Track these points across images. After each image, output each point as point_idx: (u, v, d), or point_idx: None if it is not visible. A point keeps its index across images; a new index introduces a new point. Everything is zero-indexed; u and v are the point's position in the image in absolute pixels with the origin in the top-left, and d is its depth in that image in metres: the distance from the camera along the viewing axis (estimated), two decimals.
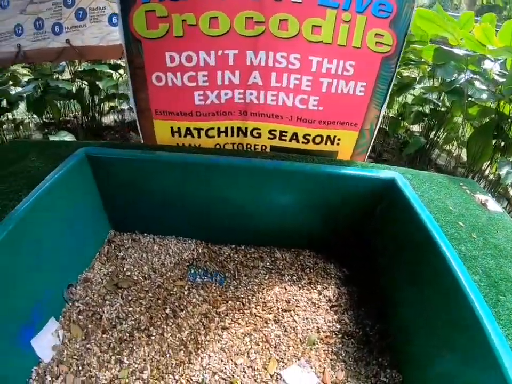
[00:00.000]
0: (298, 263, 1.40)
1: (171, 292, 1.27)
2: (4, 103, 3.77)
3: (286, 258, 1.41)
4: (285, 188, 1.29)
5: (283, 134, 1.63)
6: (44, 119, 4.27)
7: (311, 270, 1.37)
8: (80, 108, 3.88)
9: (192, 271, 1.34)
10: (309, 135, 1.61)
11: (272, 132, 1.64)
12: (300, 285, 1.32)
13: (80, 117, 4.04)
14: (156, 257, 1.39)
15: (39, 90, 3.50)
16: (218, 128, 1.63)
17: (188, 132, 1.63)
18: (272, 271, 1.36)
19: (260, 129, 1.63)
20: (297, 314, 1.22)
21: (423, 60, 2.90)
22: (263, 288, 1.30)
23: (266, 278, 1.34)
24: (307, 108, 1.53)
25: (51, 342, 1.09)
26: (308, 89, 1.49)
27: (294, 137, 1.64)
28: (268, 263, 1.39)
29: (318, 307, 1.25)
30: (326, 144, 1.64)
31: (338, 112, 1.58)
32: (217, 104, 1.55)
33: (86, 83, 3.50)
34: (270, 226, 1.38)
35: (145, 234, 1.47)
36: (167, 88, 1.51)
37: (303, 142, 1.64)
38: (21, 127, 4.09)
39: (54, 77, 3.57)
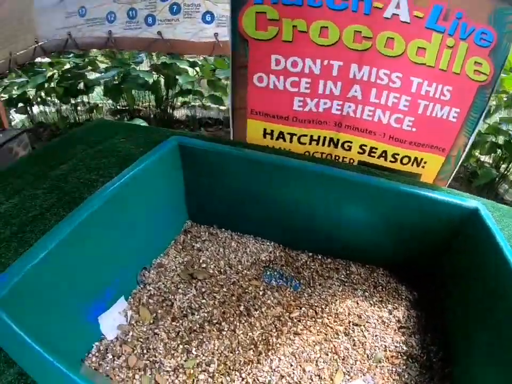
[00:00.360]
0: (372, 280, 1.37)
1: (246, 290, 1.25)
2: (81, 85, 3.92)
3: (361, 274, 1.38)
4: (366, 203, 1.27)
5: (373, 150, 1.61)
6: (118, 106, 4.40)
7: (383, 289, 1.34)
8: (154, 99, 3.97)
9: (268, 273, 1.33)
10: (398, 154, 1.59)
11: (363, 147, 1.62)
12: (371, 302, 1.29)
13: (153, 108, 4.14)
14: (233, 253, 1.37)
15: (118, 77, 3.60)
16: (311, 136, 1.62)
17: (281, 136, 1.63)
18: (346, 284, 1.34)
19: (351, 142, 1.61)
20: (367, 330, 1.19)
21: (502, 89, 2.84)
22: (336, 300, 1.28)
23: (340, 290, 1.31)
24: (401, 127, 1.51)
25: (117, 321, 1.09)
26: (405, 109, 1.47)
27: (383, 155, 1.62)
28: (342, 276, 1.36)
29: (387, 326, 1.22)
30: (412, 165, 1.61)
31: (430, 135, 1.55)
32: (314, 112, 1.54)
33: (163, 76, 3.56)
34: (348, 239, 1.35)
35: (223, 229, 1.45)
36: (268, 89, 1.51)
37: (390, 161, 1.61)
38: (94, 110, 4.24)
39: (132, 67, 3.67)
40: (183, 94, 3.69)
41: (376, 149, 1.60)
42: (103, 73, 3.75)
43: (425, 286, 1.34)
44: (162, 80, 3.64)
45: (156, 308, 1.16)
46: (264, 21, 1.37)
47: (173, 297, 1.19)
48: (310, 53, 1.40)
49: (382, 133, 1.54)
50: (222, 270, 1.31)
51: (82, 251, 0.96)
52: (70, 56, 3.95)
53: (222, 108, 3.96)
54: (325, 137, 1.62)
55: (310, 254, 1.41)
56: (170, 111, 4.01)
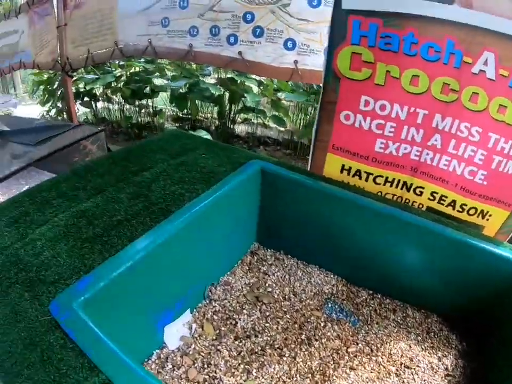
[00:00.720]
0: (425, 325, 1.37)
1: (308, 320, 1.27)
2: (147, 89, 4.02)
3: (416, 318, 1.38)
4: (430, 250, 1.27)
5: (443, 198, 1.59)
6: (179, 113, 4.49)
7: (435, 335, 1.34)
8: (216, 111, 4.04)
9: (330, 305, 1.34)
10: (466, 205, 1.57)
11: (434, 194, 1.60)
12: (423, 346, 1.29)
13: (215, 120, 4.21)
14: (298, 282, 1.38)
15: (185, 87, 3.68)
16: (387, 178, 1.61)
17: (357, 173, 1.63)
18: (401, 326, 1.34)
19: (423, 188, 1.60)
20: (417, 374, 1.19)
21: None
22: (391, 340, 1.28)
23: (395, 331, 1.32)
24: (473, 179, 1.49)
25: (180, 333, 1.12)
26: (479, 163, 1.45)
27: (452, 204, 1.59)
28: (399, 318, 1.36)
29: (436, 372, 1.21)
30: (477, 217, 1.59)
31: (499, 190, 1.52)
32: (394, 155, 1.55)
33: (228, 91, 3.63)
34: (407, 282, 1.35)
35: (289, 256, 1.47)
36: (353, 128, 1.51)
37: (458, 211, 1.59)
38: (157, 115, 4.34)
39: (202, 79, 3.75)
40: (247, 111, 3.74)
41: (446, 197, 1.58)
42: (171, 81, 3.84)
43: (477, 337, 1.34)
44: (227, 95, 3.69)
45: (220, 324, 1.18)
46: (359, 62, 1.38)
47: (237, 316, 1.22)
48: (399, 99, 1.41)
49: (454, 183, 1.52)
50: (286, 296, 1.34)
51: (163, 264, 1.00)
52: (141, 60, 4.07)
53: (281, 128, 4.00)
54: (399, 180, 1.62)
55: (370, 291, 1.42)
56: (231, 125, 4.06)
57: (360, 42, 1.36)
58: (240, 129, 4.24)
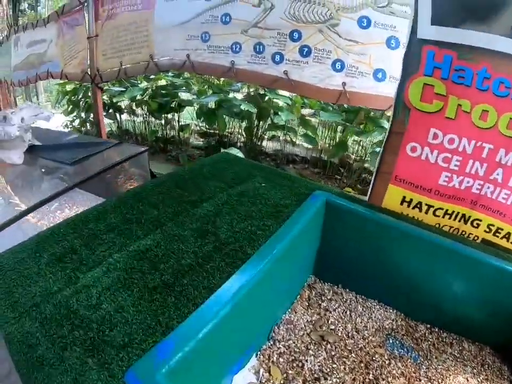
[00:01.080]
0: (480, 358, 1.32)
1: (373, 358, 1.20)
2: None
3: (471, 351, 1.33)
4: (487, 284, 1.22)
5: (498, 230, 1.59)
6: (204, 127, 4.45)
7: (489, 368, 1.29)
8: (244, 128, 3.99)
9: (391, 341, 1.28)
10: None
11: (490, 226, 1.60)
12: (478, 379, 1.23)
13: (239, 135, 4.16)
14: (359, 318, 1.32)
15: (215, 103, 3.63)
16: (446, 210, 1.61)
17: (418, 205, 1.62)
18: (458, 360, 1.29)
19: (481, 220, 1.60)
20: None
21: None
22: (450, 375, 1.23)
23: (453, 365, 1.26)
24: None
25: (247, 379, 1.04)
26: None
27: (506, 236, 1.59)
28: (455, 351, 1.31)
29: None
30: None
31: None
32: (456, 188, 1.53)
33: (258, 107, 3.57)
34: (463, 315, 1.31)
35: (347, 290, 1.42)
36: (418, 160, 1.51)
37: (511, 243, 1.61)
38: (183, 129, 4.30)
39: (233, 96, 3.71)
40: (276, 128, 3.69)
41: (502, 229, 1.59)
42: (197, 96, 3.80)
43: None
44: (255, 110, 3.64)
45: (286, 367, 1.10)
46: (431, 94, 1.37)
47: (303, 358, 1.13)
48: (468, 133, 1.41)
49: (511, 216, 1.54)
50: (349, 334, 1.27)
51: (245, 313, 0.92)
52: (169, 73, 4.03)
53: (308, 146, 3.94)
54: (458, 213, 1.61)
55: (428, 325, 1.39)
56: (259, 142, 4.01)
57: (433, 74, 1.36)
58: (267, 145, 4.19)
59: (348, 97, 2.11)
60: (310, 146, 3.84)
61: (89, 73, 3.27)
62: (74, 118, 4.99)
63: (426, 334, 1.38)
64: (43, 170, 2.29)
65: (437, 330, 1.40)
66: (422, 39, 1.35)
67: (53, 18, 3.61)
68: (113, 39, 3.11)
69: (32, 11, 7.20)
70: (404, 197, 1.61)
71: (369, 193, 1.65)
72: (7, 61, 4.45)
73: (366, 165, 3.70)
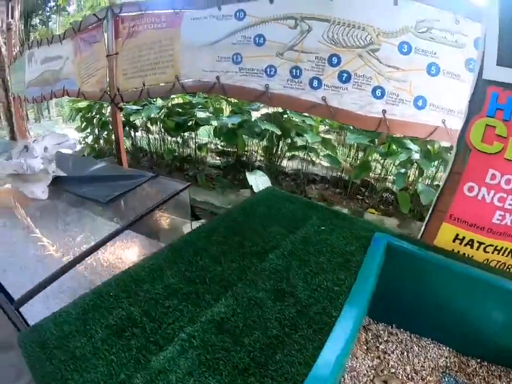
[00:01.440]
0: None
1: None
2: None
3: None
4: None
5: None
6: (222, 146, 4.39)
7: None
8: (262, 147, 3.94)
9: (446, 379, 1.27)
10: None
11: None
12: None
13: (257, 154, 4.10)
14: (416, 358, 1.30)
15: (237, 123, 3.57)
16: (496, 246, 1.61)
17: (469, 243, 1.62)
18: None
19: None
20: None
21: None
22: None
23: None
24: None
25: None
26: None
27: None
28: (504, 383, 1.29)
29: None
30: None
31: None
32: (508, 226, 1.54)
33: (280, 128, 3.50)
34: (509, 348, 1.27)
35: (402, 330, 1.38)
36: (475, 200, 1.52)
37: None
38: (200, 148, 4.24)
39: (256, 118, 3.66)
40: (298, 149, 3.62)
41: None
42: (215, 115, 3.74)
43: None
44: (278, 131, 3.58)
45: None
46: (492, 135, 1.39)
47: None
48: None
49: None
50: (409, 376, 1.26)
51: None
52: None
53: (327, 164, 3.88)
54: (506, 248, 1.62)
55: (478, 360, 1.37)
56: (278, 161, 3.95)
57: (495, 115, 1.37)
58: (288, 164, 4.12)
59: (388, 125, 2.06)
60: (329, 165, 3.78)
61: (108, 92, 3.19)
62: (88, 134, 4.97)
63: (477, 369, 1.34)
64: (73, 207, 2.15)
65: (486, 364, 1.37)
66: (487, 80, 1.35)
67: (69, 35, 3.55)
68: (135, 58, 3.05)
69: (44, 26, 7.15)
70: (457, 235, 1.62)
71: (422, 230, 1.65)
72: (21, 77, 4.39)
73: (388, 184, 3.64)
